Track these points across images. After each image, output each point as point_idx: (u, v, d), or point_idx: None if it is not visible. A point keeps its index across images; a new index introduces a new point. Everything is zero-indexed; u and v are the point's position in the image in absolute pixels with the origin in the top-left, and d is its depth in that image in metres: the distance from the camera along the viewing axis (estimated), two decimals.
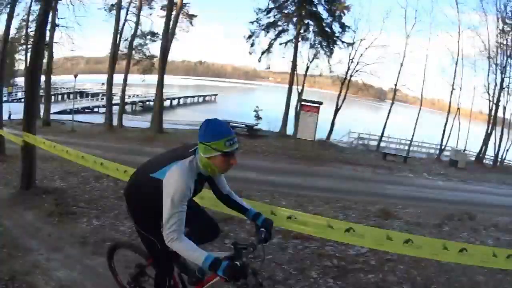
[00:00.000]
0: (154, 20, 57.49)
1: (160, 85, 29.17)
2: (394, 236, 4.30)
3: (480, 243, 7.64)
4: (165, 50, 29.47)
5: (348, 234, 4.33)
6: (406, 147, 38.28)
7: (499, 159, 38.91)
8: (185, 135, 26.17)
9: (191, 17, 38.48)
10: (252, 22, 35.62)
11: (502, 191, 21.17)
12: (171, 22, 29.53)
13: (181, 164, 3.09)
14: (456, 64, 37.77)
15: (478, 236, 8.79)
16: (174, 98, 56.67)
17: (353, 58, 35.96)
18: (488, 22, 37.47)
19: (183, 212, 3.03)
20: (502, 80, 37.47)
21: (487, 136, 37.95)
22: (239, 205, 3.68)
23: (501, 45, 37.38)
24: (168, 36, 29.52)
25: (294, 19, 34.92)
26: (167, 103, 46.36)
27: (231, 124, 27.05)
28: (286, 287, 5.05)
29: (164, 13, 31.01)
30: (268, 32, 35.59)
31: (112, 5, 34.98)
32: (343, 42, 35.98)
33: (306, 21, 35.00)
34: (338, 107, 35.91)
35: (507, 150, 39.60)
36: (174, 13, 30.39)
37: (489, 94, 38.15)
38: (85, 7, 42.42)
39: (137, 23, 35.34)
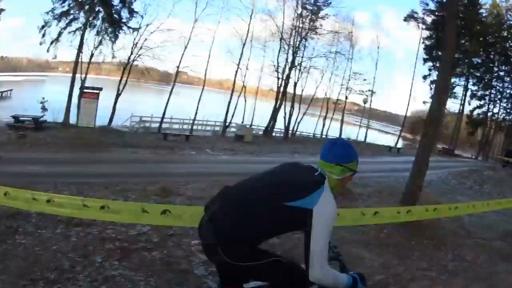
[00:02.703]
0: None
1: None
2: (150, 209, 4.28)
3: None
4: None
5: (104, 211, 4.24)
6: (190, 127, 39.81)
7: (290, 131, 43.26)
8: None
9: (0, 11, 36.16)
10: (47, 12, 34.73)
11: (293, 160, 22.93)
12: None
13: (328, 190, 2.99)
14: (244, 45, 41.13)
15: None
16: None
17: (137, 43, 36.76)
18: (285, 7, 42.18)
19: None
20: (294, 59, 42.38)
21: (275, 111, 41.97)
22: None
23: (297, 28, 42.42)
24: None
25: (86, 7, 34.70)
26: None
27: (19, 118, 25.66)
28: (74, 274, 4.93)
29: None
30: (60, 21, 34.97)
31: None
32: (129, 27, 36.80)
33: (97, 9, 35.22)
34: (120, 92, 36.22)
35: (298, 123, 44.33)
36: None
37: (278, 72, 42.52)
38: None
39: None
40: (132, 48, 36.43)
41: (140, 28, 36.55)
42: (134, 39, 36.51)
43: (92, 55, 35.22)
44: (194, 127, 40.03)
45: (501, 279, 7.45)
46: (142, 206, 4.17)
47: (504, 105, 52.40)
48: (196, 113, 39.74)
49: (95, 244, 5.78)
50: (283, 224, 3.02)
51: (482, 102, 52.31)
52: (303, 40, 43.31)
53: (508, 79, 51.86)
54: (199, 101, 39.50)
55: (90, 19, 34.58)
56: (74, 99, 31.26)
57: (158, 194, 9.37)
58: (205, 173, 15.35)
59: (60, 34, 34.79)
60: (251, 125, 41.23)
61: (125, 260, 5.27)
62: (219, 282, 3.31)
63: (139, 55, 36.75)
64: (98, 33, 35.53)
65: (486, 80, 51.93)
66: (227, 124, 40.72)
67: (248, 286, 3.27)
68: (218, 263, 3.15)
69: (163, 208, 4.14)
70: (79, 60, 34.20)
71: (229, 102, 41.10)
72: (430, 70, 49.51)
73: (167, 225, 5.68)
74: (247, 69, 42.08)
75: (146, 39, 36.65)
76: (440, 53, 37.85)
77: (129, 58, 36.49)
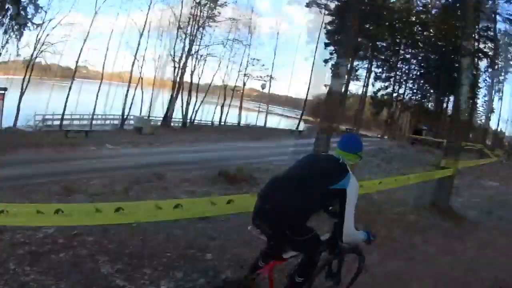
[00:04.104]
0: None
1: None
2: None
3: (173, 198, 8.24)
4: None
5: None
6: (90, 122, 39.05)
7: (188, 121, 43.20)
8: None
9: None
10: None
11: (193, 149, 23.47)
12: None
13: (351, 173, 4.13)
14: (141, 36, 40.87)
15: (169, 193, 9.58)
16: None
17: (40, 39, 35.74)
18: None
19: None
20: (191, 47, 42.38)
21: (172, 101, 41.97)
22: None
23: (195, 16, 42.35)
24: None
25: None
26: None
27: None
28: None
29: None
30: None
31: None
32: (33, 23, 35.36)
33: (7, 6, 33.48)
34: (23, 91, 35.29)
35: (196, 111, 44.33)
36: None
37: (174, 61, 42.37)
38: None
39: None
40: (35, 45, 35.55)
41: (43, 23, 35.51)
42: (38, 35, 35.55)
43: None
44: (94, 122, 39.23)
45: (420, 251, 7.87)
46: (36, 207, 4.20)
47: (410, 85, 54.43)
48: (95, 107, 39.32)
49: (8, 250, 5.64)
50: (327, 201, 4.26)
51: (387, 84, 53.88)
52: (201, 28, 43.42)
53: (414, 61, 53.86)
54: (97, 95, 39.22)
55: (0, 17, 33.15)
56: None
57: (61, 193, 9.35)
58: (105, 168, 15.31)
59: None
60: (149, 116, 41.19)
61: (35, 265, 5.25)
62: (267, 255, 4.38)
63: (42, 51, 36.03)
64: (5, 32, 34.08)
65: (391, 63, 53.60)
66: (125, 117, 40.54)
67: (287, 255, 4.27)
68: (276, 240, 4.15)
69: (56, 208, 4.19)
70: None
71: (126, 94, 41.01)
72: (331, 54, 50.13)
73: (61, 225, 5.63)
74: (144, 60, 41.89)
75: (48, 34, 35.85)
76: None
77: (32, 55, 35.69)
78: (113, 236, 6.15)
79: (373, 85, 54.16)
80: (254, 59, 48.89)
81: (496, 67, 48.28)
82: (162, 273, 5.39)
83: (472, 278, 6.84)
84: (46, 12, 35.42)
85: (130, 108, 40.93)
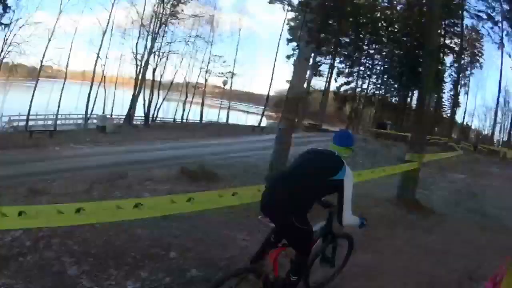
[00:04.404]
0: None
1: None
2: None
3: (136, 197, 8.30)
4: None
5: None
6: (54, 122, 38.54)
7: (151, 118, 43.36)
8: None
9: None
10: None
11: (155, 147, 23.88)
12: None
13: (346, 164, 4.52)
14: (104, 34, 40.81)
15: (132, 192, 9.64)
16: None
17: (7, 39, 35.42)
18: None
19: None
20: (153, 45, 42.54)
21: (135, 99, 42.01)
22: None
23: (157, 14, 42.59)
24: None
25: None
26: None
27: None
28: None
29: None
30: None
31: None
32: (1, 24, 35.21)
33: None
34: None
35: (158, 109, 44.63)
36: None
37: (136, 59, 42.40)
38: None
39: None
40: (2, 45, 35.21)
41: (11, 23, 35.26)
42: (5, 35, 35.31)
43: None
44: (58, 121, 38.75)
45: (386, 244, 7.96)
46: (1, 210, 4.16)
47: (374, 80, 55.27)
48: (59, 107, 38.92)
49: None
50: (327, 192, 4.63)
51: (350, 79, 54.61)
52: (163, 26, 43.53)
53: (378, 56, 54.71)
54: (61, 95, 38.91)
55: None
56: None
57: (26, 195, 9.30)
58: (70, 168, 15.41)
59: None
60: (111, 114, 41.13)
61: (5, 269, 5.19)
62: (277, 234, 4.72)
63: (9, 51, 35.75)
64: None
65: (354, 58, 54.15)
66: (88, 115, 40.34)
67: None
68: (283, 229, 4.53)
69: (19, 210, 4.17)
70: None
71: (89, 93, 40.98)
72: (294, 50, 50.24)
73: (25, 227, 5.43)
74: (106, 58, 41.90)
75: (15, 34, 35.55)
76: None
77: None
78: (77, 237, 6.13)
79: (336, 80, 54.75)
80: (215, 55, 49.12)
81: (462, 62, 49.45)
82: (128, 273, 5.42)
83: (441, 270, 6.98)
84: (14, 12, 35.19)
85: (93, 107, 40.96)
